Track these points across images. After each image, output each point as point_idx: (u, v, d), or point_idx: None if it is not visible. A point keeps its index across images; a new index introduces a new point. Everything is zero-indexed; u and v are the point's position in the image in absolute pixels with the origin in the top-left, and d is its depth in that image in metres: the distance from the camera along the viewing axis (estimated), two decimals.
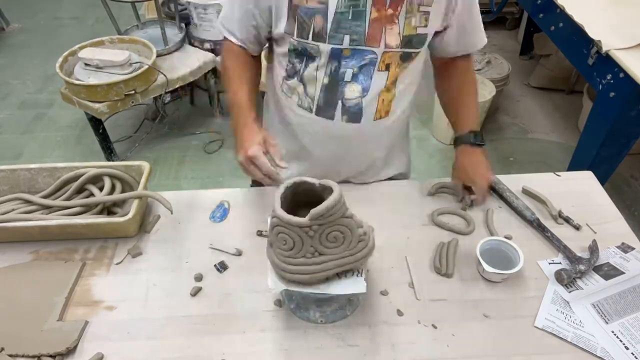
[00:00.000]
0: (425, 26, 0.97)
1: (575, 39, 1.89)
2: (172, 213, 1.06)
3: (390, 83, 1.02)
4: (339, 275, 0.82)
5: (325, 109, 1.05)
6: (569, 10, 1.90)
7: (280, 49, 1.04)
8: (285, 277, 0.80)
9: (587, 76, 1.89)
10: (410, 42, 0.97)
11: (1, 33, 3.99)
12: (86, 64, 2.35)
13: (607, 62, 1.70)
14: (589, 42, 1.76)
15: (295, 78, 1.04)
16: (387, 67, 0.99)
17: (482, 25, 1.07)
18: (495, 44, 3.68)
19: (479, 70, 2.85)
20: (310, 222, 0.74)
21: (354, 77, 1.00)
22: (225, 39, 1.08)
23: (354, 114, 1.05)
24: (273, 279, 0.82)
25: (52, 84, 3.28)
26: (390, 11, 0.92)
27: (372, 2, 0.92)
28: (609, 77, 1.71)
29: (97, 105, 2.27)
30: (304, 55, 1.00)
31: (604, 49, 1.68)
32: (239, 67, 1.08)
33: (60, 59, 2.34)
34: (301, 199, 0.82)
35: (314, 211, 0.73)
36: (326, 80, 1.01)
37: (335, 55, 0.97)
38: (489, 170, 1.11)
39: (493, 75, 2.78)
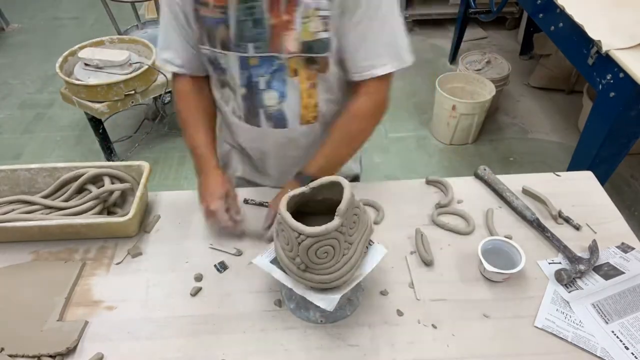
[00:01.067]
0: (326, 30, 0.93)
1: (575, 39, 1.89)
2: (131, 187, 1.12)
3: (309, 88, 1.01)
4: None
5: (250, 117, 1.07)
6: (569, 10, 1.90)
7: (204, 62, 1.06)
8: (325, 287, 0.81)
9: (587, 76, 1.89)
10: (311, 47, 0.94)
11: (1, 33, 4.00)
12: (86, 64, 2.35)
13: (607, 62, 1.70)
14: (589, 42, 1.76)
15: (227, 87, 1.06)
16: (296, 72, 0.98)
17: (390, 49, 0.98)
18: (495, 44, 3.69)
19: (479, 71, 2.85)
20: (341, 221, 0.76)
21: (268, 84, 1.00)
22: (173, 75, 1.12)
23: (278, 120, 1.06)
24: (260, 256, 0.87)
25: (52, 84, 3.28)
26: (286, 17, 0.91)
27: (268, 9, 0.90)
28: (609, 77, 1.71)
29: (97, 105, 2.27)
30: (217, 64, 1.01)
31: (604, 49, 1.68)
32: (191, 109, 1.11)
33: (60, 59, 2.34)
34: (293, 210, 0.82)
35: (340, 207, 0.76)
36: (243, 91, 1.03)
37: (245, 65, 0.98)
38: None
39: (493, 75, 2.79)
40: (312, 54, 0.96)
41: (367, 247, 0.88)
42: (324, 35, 0.94)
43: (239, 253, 1.02)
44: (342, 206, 0.77)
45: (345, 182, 0.80)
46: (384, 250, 0.88)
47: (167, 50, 1.06)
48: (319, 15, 0.91)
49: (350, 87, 1.06)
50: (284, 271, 0.84)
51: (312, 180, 0.86)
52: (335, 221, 0.76)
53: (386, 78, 1.01)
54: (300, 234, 0.75)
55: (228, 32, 0.94)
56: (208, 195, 1.02)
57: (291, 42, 0.93)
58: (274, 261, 0.87)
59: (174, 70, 1.09)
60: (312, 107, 1.05)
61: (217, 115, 1.20)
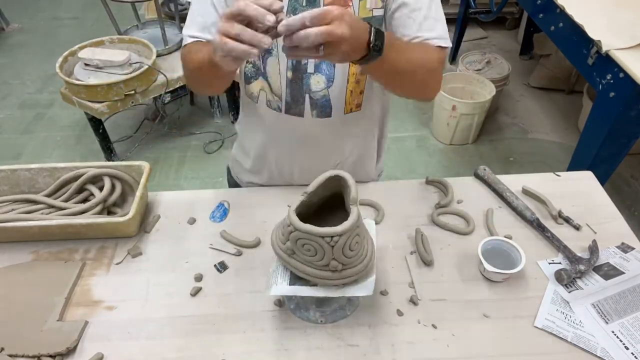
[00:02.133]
0: (382, 7, 0.92)
1: (575, 39, 1.89)
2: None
3: (358, 73, 0.99)
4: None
5: (293, 107, 1.03)
6: (569, 10, 1.90)
7: None
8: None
9: (587, 76, 1.89)
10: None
11: (1, 33, 3.99)
12: (86, 64, 2.35)
13: (607, 62, 1.70)
14: (589, 42, 1.76)
15: (260, 77, 1.01)
16: None
17: (440, 23, 0.94)
18: (495, 44, 3.69)
19: (479, 71, 2.85)
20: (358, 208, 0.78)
21: (317, 67, 0.97)
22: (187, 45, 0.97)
23: (323, 108, 1.02)
24: (275, 284, 0.83)
25: (52, 84, 3.28)
26: None
27: None
28: (608, 77, 1.71)
29: (97, 105, 2.27)
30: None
31: (604, 49, 1.68)
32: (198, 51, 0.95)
33: (60, 59, 2.34)
34: (304, 210, 0.82)
35: (353, 195, 0.78)
36: (290, 74, 0.98)
37: None
38: (352, 36, 0.73)
39: (493, 75, 2.79)
40: None
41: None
42: (379, 12, 0.92)
43: (239, 253, 1.02)
44: (353, 194, 0.78)
45: (342, 173, 0.81)
46: (373, 223, 0.94)
47: (204, 32, 0.95)
48: None
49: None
50: (308, 284, 0.82)
51: (381, 34, 0.76)
52: (356, 209, 0.76)
53: (443, 50, 0.94)
54: (332, 237, 0.74)
55: (281, 12, 0.86)
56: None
57: None
58: (292, 281, 0.83)
59: (210, 38, 0.94)
60: (357, 94, 1.03)
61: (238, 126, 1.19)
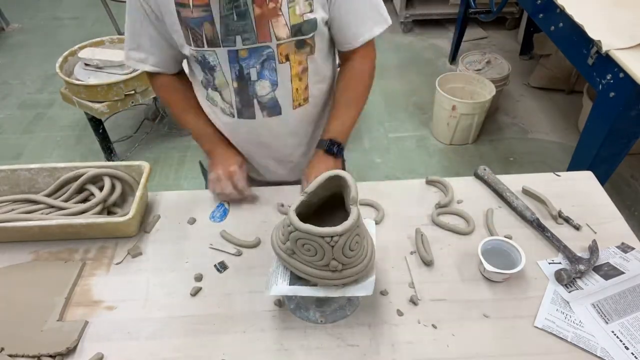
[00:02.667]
0: (311, 11, 0.97)
1: (575, 39, 1.89)
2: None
3: (300, 72, 1.04)
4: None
5: (244, 111, 1.09)
6: (569, 10, 1.90)
7: (191, 62, 1.08)
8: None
9: (587, 76, 1.89)
10: (300, 29, 0.97)
11: (1, 33, 4.00)
12: (86, 64, 2.35)
13: (607, 62, 1.70)
14: (589, 42, 1.76)
15: (211, 88, 1.08)
16: (287, 58, 1.00)
17: (373, 13, 1.05)
18: (495, 44, 3.69)
19: (479, 71, 2.85)
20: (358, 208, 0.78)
21: (260, 74, 1.02)
22: (148, 75, 1.12)
23: (272, 108, 1.08)
24: (275, 284, 0.82)
25: (52, 84, 3.28)
26: (271, 4, 0.92)
27: (252, 0, 0.92)
28: (608, 77, 1.71)
29: (97, 105, 2.27)
30: (205, 63, 1.01)
31: (604, 49, 1.68)
32: (180, 100, 1.15)
33: (60, 59, 2.34)
34: (304, 210, 0.82)
35: (353, 195, 0.78)
36: (236, 84, 1.03)
37: (234, 58, 0.99)
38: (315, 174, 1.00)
39: (493, 75, 2.78)
40: (302, 36, 0.98)
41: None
42: (310, 16, 0.97)
43: (239, 253, 1.02)
44: (353, 193, 0.78)
45: (342, 173, 0.81)
46: (373, 223, 0.94)
47: (138, 51, 1.05)
48: None
49: (336, 59, 1.15)
50: (308, 284, 0.82)
51: (334, 143, 1.08)
52: (356, 209, 0.77)
53: (373, 39, 1.09)
54: (332, 237, 0.74)
55: (213, 29, 0.94)
56: (226, 160, 1.12)
57: (280, 28, 0.95)
58: (292, 282, 0.83)
59: (147, 70, 1.09)
60: (302, 90, 1.08)
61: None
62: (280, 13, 0.94)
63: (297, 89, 1.07)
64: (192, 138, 1.20)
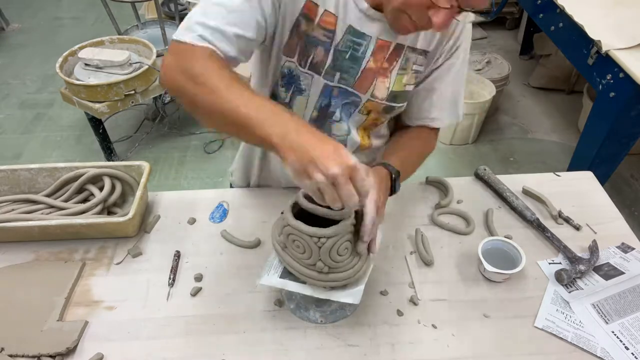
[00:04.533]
0: (414, 84, 0.97)
1: (575, 39, 1.89)
2: None
3: (370, 124, 1.03)
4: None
5: None
6: (569, 10, 1.90)
7: (269, 70, 0.94)
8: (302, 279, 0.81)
9: (587, 76, 1.89)
10: (396, 97, 0.96)
11: (1, 33, 3.99)
12: (86, 64, 2.35)
13: (607, 62, 1.70)
14: (589, 42, 1.76)
15: (302, 96, 0.96)
16: (368, 113, 0.99)
17: (453, 107, 1.03)
18: (495, 44, 3.69)
19: (479, 71, 2.85)
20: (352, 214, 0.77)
21: (341, 115, 0.98)
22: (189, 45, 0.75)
23: None
24: (266, 275, 0.83)
25: (52, 84, 3.28)
26: (385, 64, 0.91)
27: (372, 52, 0.89)
28: (608, 77, 1.71)
29: (97, 105, 2.27)
30: (292, 83, 0.94)
31: (604, 49, 1.68)
32: (229, 75, 0.73)
33: (60, 59, 2.34)
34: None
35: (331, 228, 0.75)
36: (315, 114, 0.98)
37: (327, 92, 0.94)
38: (384, 199, 0.89)
39: (493, 75, 2.78)
40: (394, 103, 0.97)
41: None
42: (411, 88, 0.97)
43: (239, 253, 1.02)
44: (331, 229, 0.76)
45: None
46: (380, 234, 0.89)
47: (223, 32, 0.76)
48: (413, 70, 0.94)
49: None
50: (298, 281, 0.82)
51: (397, 172, 0.94)
52: (352, 216, 0.76)
53: (438, 128, 1.07)
54: (319, 238, 0.74)
55: (325, 57, 0.89)
56: (323, 145, 0.64)
57: (381, 89, 0.94)
58: (284, 275, 0.84)
59: (218, 48, 0.76)
60: (367, 136, 1.07)
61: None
62: (388, 76, 0.92)
63: (363, 136, 1.05)
64: (231, 126, 0.71)
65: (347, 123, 1.00)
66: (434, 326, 0.88)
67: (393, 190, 0.95)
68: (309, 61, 0.90)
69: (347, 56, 0.90)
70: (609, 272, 0.96)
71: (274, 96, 0.99)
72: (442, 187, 1.18)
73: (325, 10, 0.85)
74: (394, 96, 0.96)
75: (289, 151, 0.64)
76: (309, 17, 0.85)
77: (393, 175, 0.93)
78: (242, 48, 0.80)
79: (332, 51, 0.89)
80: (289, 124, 0.66)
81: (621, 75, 1.64)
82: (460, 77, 1.01)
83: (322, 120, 0.99)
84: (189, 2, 2.63)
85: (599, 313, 0.90)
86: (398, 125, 1.12)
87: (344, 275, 0.79)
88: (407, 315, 0.90)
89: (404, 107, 1.01)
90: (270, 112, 0.68)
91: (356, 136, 1.03)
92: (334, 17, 0.86)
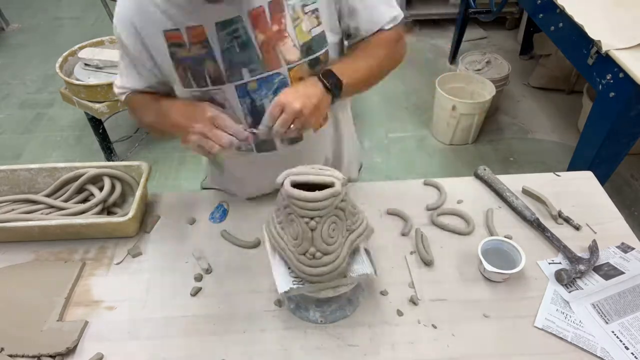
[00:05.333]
0: (319, 24, 0.89)
1: (575, 39, 1.89)
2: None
3: None
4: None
5: (263, 144, 1.00)
6: (569, 10, 1.90)
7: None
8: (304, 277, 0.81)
9: (587, 76, 1.89)
10: (311, 47, 0.90)
11: (1, 33, 4.00)
12: (86, 64, 2.35)
13: (607, 62, 1.69)
14: (589, 42, 1.76)
15: None
16: (301, 79, 0.92)
17: (383, 3, 0.94)
18: (495, 44, 3.68)
19: (479, 70, 2.85)
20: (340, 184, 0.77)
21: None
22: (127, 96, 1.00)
23: (294, 137, 0.98)
24: (282, 280, 0.82)
25: (52, 84, 3.28)
26: (275, 27, 0.86)
27: (252, 26, 0.85)
28: (608, 77, 1.70)
29: (97, 105, 2.27)
30: (213, 102, 0.92)
31: (604, 49, 1.67)
32: (149, 97, 0.98)
33: (60, 59, 2.34)
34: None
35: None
36: (250, 119, 0.95)
37: (243, 92, 0.91)
38: (309, 102, 0.84)
39: (493, 75, 2.78)
40: (314, 54, 0.91)
41: (367, 251, 0.88)
42: (318, 30, 0.89)
43: (239, 253, 1.02)
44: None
45: (334, 172, 0.80)
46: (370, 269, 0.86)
47: (132, 81, 0.97)
48: (307, 12, 0.87)
49: None
50: (302, 284, 0.82)
51: (333, 75, 0.88)
52: (339, 184, 0.77)
53: (396, 27, 0.97)
54: (310, 210, 0.75)
55: (216, 65, 0.87)
56: (198, 112, 0.87)
57: (290, 51, 0.88)
58: (295, 282, 0.83)
59: (138, 89, 0.98)
60: None
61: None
62: (287, 34, 0.87)
63: None
64: (159, 129, 0.99)
65: None
66: (433, 326, 0.88)
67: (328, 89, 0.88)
68: (207, 78, 0.89)
69: (236, 49, 0.86)
70: (609, 272, 0.96)
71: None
72: (437, 189, 1.18)
73: (187, 27, 0.84)
74: (308, 48, 0.89)
75: (175, 129, 0.90)
76: (178, 43, 0.86)
77: (320, 76, 0.88)
78: (153, 84, 0.97)
79: (219, 56, 0.87)
80: (171, 113, 0.91)
81: (621, 75, 1.63)
82: None
83: (258, 121, 0.91)
84: None
85: (599, 313, 0.90)
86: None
87: (330, 259, 0.78)
88: (407, 315, 0.90)
89: (327, 48, 0.92)
90: (166, 113, 0.92)
91: None
92: (200, 27, 0.84)
